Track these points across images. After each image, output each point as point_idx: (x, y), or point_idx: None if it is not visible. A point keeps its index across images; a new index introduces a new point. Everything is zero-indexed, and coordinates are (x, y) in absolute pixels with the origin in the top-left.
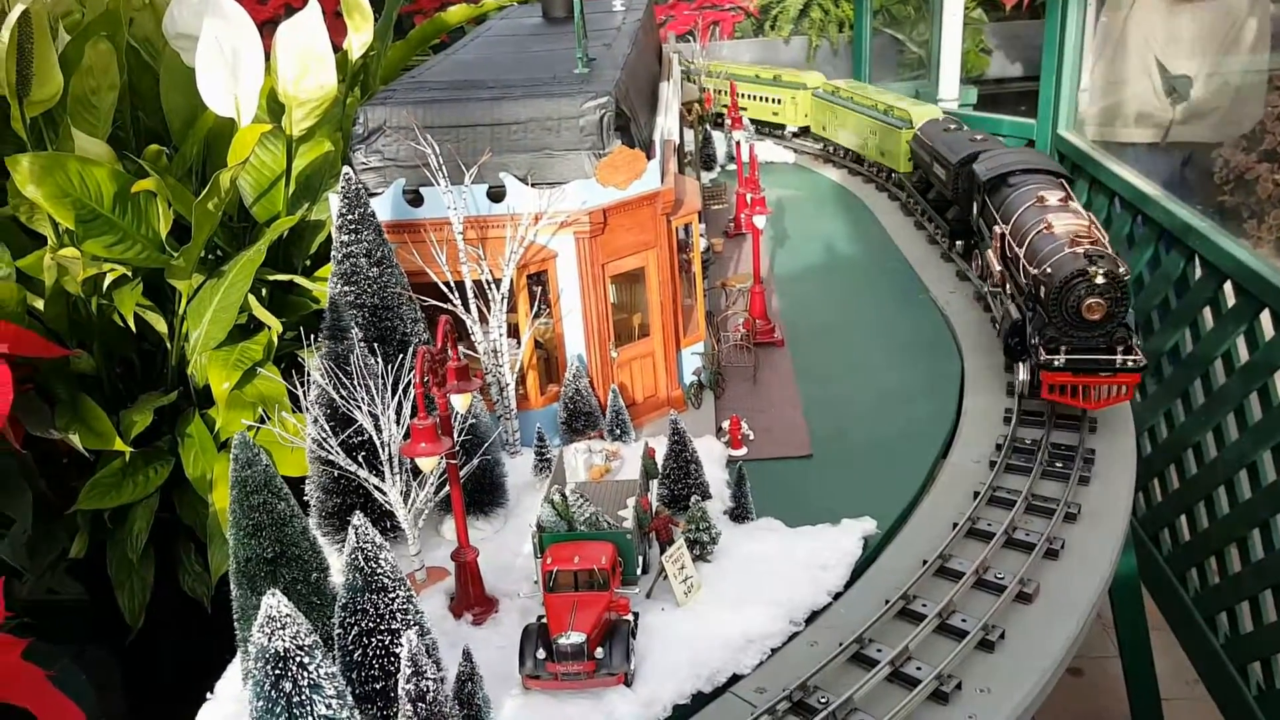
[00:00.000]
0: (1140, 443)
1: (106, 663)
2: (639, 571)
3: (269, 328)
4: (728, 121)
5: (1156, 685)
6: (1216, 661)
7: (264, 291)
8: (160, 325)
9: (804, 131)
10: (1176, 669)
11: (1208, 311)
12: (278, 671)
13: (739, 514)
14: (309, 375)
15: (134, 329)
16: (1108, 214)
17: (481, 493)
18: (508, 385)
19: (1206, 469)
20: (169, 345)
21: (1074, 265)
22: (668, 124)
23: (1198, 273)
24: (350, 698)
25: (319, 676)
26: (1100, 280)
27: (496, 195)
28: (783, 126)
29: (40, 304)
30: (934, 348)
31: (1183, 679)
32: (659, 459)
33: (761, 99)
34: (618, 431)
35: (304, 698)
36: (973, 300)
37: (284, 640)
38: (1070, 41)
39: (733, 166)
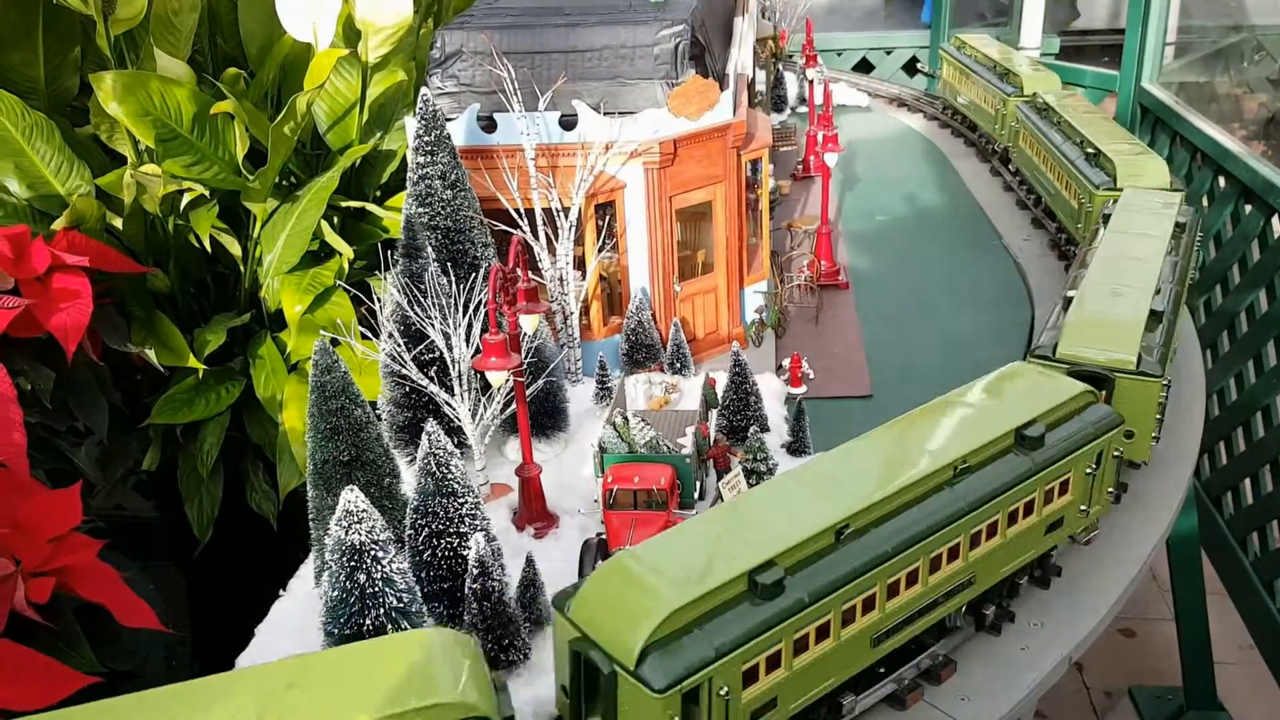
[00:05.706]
0: (1208, 405)
1: (173, 576)
2: (696, 496)
3: (340, 254)
4: (800, 61)
5: (1209, 647)
6: (1272, 626)
7: (336, 219)
8: (234, 248)
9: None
10: (1231, 634)
11: None
12: (353, 564)
13: (796, 448)
14: (387, 294)
15: (209, 250)
16: (1188, 170)
17: (544, 416)
18: (572, 314)
19: (1274, 432)
20: (242, 268)
21: None
22: (742, 58)
23: (1277, 232)
24: (419, 594)
25: (392, 570)
26: None
27: (569, 123)
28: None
29: (119, 222)
30: (1004, 295)
31: (1236, 644)
32: (719, 391)
33: None
34: (678, 365)
35: (377, 589)
36: (1046, 248)
37: (360, 534)
38: None
39: (803, 109)
